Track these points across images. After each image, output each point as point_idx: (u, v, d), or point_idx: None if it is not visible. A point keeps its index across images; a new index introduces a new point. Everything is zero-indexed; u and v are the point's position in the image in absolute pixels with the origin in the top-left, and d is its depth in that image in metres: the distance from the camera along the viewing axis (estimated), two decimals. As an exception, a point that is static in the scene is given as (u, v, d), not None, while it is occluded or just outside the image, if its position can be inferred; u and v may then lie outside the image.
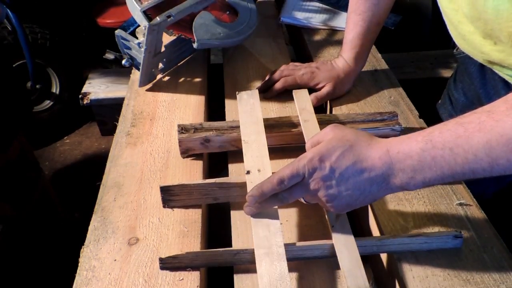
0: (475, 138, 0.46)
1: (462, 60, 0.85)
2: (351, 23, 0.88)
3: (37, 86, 2.05)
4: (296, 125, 0.77)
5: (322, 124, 0.77)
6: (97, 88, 1.98)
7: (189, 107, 0.91)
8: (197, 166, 0.76)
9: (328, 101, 0.92)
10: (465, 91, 0.86)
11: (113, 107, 1.91)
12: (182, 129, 0.75)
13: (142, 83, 0.95)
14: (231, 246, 0.63)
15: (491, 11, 0.58)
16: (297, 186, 0.55)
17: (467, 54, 0.76)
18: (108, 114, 2.00)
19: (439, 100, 0.97)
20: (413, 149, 0.50)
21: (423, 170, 0.49)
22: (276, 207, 0.61)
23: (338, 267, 0.60)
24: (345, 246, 0.57)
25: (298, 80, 0.89)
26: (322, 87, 0.89)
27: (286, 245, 0.58)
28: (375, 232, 0.67)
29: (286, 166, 0.54)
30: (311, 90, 0.88)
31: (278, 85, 0.90)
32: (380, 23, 0.88)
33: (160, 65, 0.99)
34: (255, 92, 0.82)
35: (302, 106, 0.79)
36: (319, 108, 0.98)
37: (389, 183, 0.52)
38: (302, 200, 0.58)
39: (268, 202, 0.57)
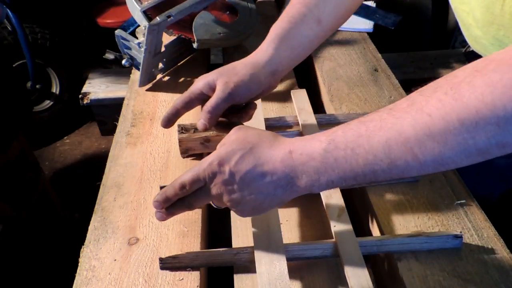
0: (376, 137, 0.44)
1: (472, 60, 0.84)
2: (287, 8, 0.72)
3: (37, 86, 2.05)
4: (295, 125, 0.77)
5: (322, 124, 0.77)
6: (97, 88, 1.98)
7: (189, 107, 0.90)
8: (197, 166, 0.76)
9: (328, 101, 0.92)
10: None
11: (113, 107, 1.91)
12: (182, 129, 0.75)
13: (142, 83, 0.96)
14: (231, 246, 0.64)
15: (509, 16, 0.56)
16: (200, 191, 0.52)
17: (478, 54, 0.75)
18: (108, 114, 2.00)
19: None
20: (315, 150, 0.47)
21: (327, 172, 0.47)
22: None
23: (338, 267, 0.60)
24: (347, 246, 0.57)
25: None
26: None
27: (286, 245, 0.58)
28: (375, 232, 0.67)
29: (188, 170, 0.52)
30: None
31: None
32: (321, 22, 0.71)
33: (160, 65, 0.99)
34: None
35: (300, 106, 0.79)
36: (319, 109, 0.98)
37: (294, 186, 0.49)
38: (213, 205, 0.56)
39: (175, 208, 0.55)
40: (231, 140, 0.52)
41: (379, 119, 0.45)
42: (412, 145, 0.42)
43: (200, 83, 0.67)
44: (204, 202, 0.54)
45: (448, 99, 0.40)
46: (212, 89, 0.66)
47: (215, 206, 0.56)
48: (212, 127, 0.67)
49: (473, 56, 0.76)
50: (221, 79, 0.66)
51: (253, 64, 0.68)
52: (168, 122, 0.69)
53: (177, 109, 0.68)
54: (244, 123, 0.67)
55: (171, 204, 0.54)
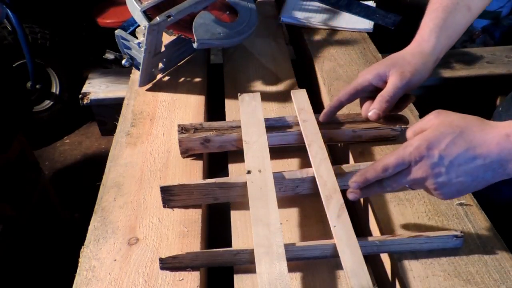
0: None
1: None
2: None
3: (37, 86, 2.05)
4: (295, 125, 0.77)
5: (322, 124, 0.77)
6: (97, 88, 1.98)
7: (189, 107, 0.91)
8: (197, 166, 0.76)
9: (328, 101, 0.92)
10: None
11: (113, 107, 1.90)
12: (182, 129, 0.75)
13: (142, 83, 0.95)
14: (231, 246, 0.63)
15: None
16: (401, 174, 0.54)
17: None
18: (108, 114, 2.00)
19: (499, 107, 0.93)
20: None
21: None
22: (276, 206, 0.61)
23: (338, 267, 0.60)
24: (347, 246, 0.57)
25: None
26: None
27: (286, 245, 0.58)
28: (375, 232, 0.67)
29: (390, 154, 0.54)
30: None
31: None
32: (471, 9, 0.73)
33: (160, 65, 0.99)
34: (257, 95, 0.82)
35: (300, 106, 0.79)
36: (319, 109, 0.98)
37: (507, 169, 0.50)
38: (407, 187, 0.57)
39: (371, 189, 0.57)
40: (436, 124, 0.53)
41: None
42: None
43: (368, 75, 0.70)
44: (402, 185, 0.55)
45: None
46: (383, 80, 0.69)
47: (410, 189, 0.58)
48: (382, 117, 0.69)
49: None
50: (394, 70, 0.68)
51: (421, 54, 0.70)
52: (330, 115, 0.74)
53: (341, 101, 0.72)
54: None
55: (367, 185, 0.56)
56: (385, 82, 0.69)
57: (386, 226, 0.64)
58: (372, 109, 0.68)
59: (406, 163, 0.53)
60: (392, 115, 0.72)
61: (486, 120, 0.53)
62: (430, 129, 0.53)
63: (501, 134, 0.50)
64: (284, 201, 0.69)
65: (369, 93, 0.71)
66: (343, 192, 0.66)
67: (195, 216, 0.67)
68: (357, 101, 0.89)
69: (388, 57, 0.71)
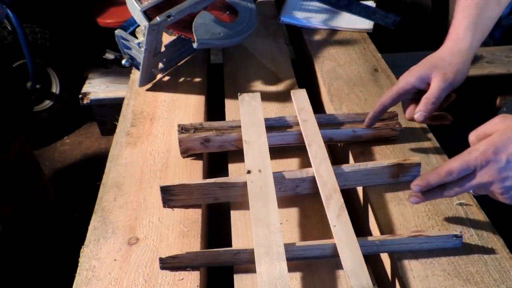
0: None
1: None
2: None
3: (37, 86, 2.05)
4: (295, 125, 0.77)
5: (322, 124, 0.77)
6: (97, 88, 1.98)
7: (189, 107, 0.91)
8: (197, 166, 0.76)
9: (328, 101, 0.92)
10: None
11: (113, 107, 1.90)
12: (182, 129, 0.75)
13: (142, 83, 0.95)
14: (231, 246, 0.63)
15: None
16: (466, 179, 0.54)
17: None
18: (108, 114, 2.00)
19: (503, 107, 0.93)
20: None
21: None
22: (276, 206, 0.61)
23: (338, 267, 0.60)
24: (347, 246, 0.57)
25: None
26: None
27: (286, 245, 0.58)
28: (375, 232, 0.67)
29: (454, 158, 0.54)
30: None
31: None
32: (500, 3, 0.75)
33: (160, 65, 0.99)
34: (257, 95, 0.82)
35: (300, 106, 0.79)
36: (319, 109, 0.98)
37: None
38: (471, 193, 0.58)
39: (433, 194, 0.57)
40: (503, 129, 0.53)
41: None
42: None
43: (411, 78, 0.70)
44: (467, 190, 0.55)
45: None
46: (426, 82, 0.70)
47: (473, 194, 0.58)
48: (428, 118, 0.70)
49: None
50: (437, 72, 0.69)
51: (460, 52, 0.71)
52: (375, 120, 0.75)
53: (384, 105, 0.72)
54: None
55: (429, 190, 0.56)
56: (428, 84, 0.70)
57: (386, 226, 0.64)
58: (418, 111, 0.69)
59: (472, 167, 0.53)
60: (436, 114, 0.73)
61: None
62: (496, 133, 0.53)
63: None
64: (284, 201, 0.69)
65: (411, 95, 0.72)
66: (343, 192, 0.66)
67: (195, 216, 0.67)
68: (356, 101, 0.90)
69: (427, 59, 0.72)
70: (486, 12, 0.73)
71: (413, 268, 0.58)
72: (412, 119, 0.72)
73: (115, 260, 0.60)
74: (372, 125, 0.76)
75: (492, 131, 0.54)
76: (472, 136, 0.57)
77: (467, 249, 0.60)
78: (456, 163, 0.53)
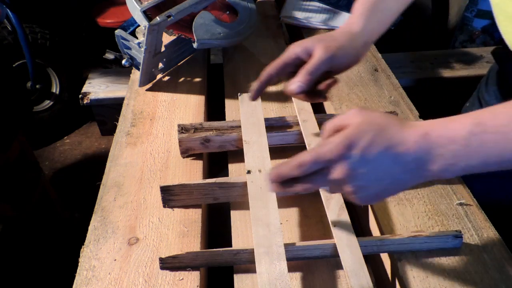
0: None
1: (501, 62, 0.81)
2: None
3: (37, 86, 2.05)
4: (295, 125, 0.77)
5: (322, 124, 0.77)
6: (97, 88, 1.98)
7: (189, 107, 0.91)
8: (197, 166, 0.76)
9: (328, 101, 0.92)
10: (497, 94, 0.82)
11: (113, 107, 1.91)
12: (182, 129, 0.75)
13: (142, 83, 0.95)
14: (231, 246, 0.63)
15: None
16: (320, 174, 0.49)
17: (508, 56, 0.72)
18: (108, 114, 2.00)
19: (466, 103, 0.93)
20: (458, 133, 0.45)
21: (468, 156, 0.44)
22: (276, 206, 0.61)
23: (338, 267, 0.60)
24: (347, 246, 0.57)
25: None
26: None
27: (286, 245, 0.58)
28: (375, 232, 0.67)
29: (308, 150, 0.49)
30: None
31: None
32: None
33: (160, 65, 0.99)
34: None
35: (300, 106, 0.79)
36: (318, 108, 0.98)
37: (425, 170, 0.46)
38: (326, 190, 0.53)
39: (288, 186, 0.52)
40: (358, 122, 0.49)
41: None
42: None
43: (296, 48, 0.68)
44: (319, 186, 0.51)
45: None
46: (309, 54, 0.67)
47: (328, 192, 0.53)
48: (306, 90, 0.66)
49: (504, 54, 0.76)
50: (320, 44, 0.67)
51: (349, 33, 0.69)
52: (258, 92, 0.69)
53: (270, 74, 0.68)
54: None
55: (285, 181, 0.51)
56: (310, 56, 0.67)
57: (386, 226, 0.64)
58: (295, 82, 0.65)
59: (324, 162, 0.48)
60: (312, 90, 0.69)
61: (406, 120, 0.51)
62: (351, 126, 0.48)
63: (419, 133, 0.47)
64: (284, 201, 0.69)
65: (296, 67, 0.68)
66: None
67: (195, 216, 0.67)
68: (356, 101, 0.90)
69: (318, 35, 0.70)
70: (385, 1, 0.72)
71: (413, 268, 0.58)
72: (290, 93, 0.67)
73: (115, 260, 0.60)
74: (257, 96, 0.69)
75: (347, 123, 0.49)
76: (329, 125, 0.51)
77: (467, 249, 0.60)
78: (308, 155, 0.48)
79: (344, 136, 0.47)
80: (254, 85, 0.69)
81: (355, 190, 0.49)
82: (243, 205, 0.66)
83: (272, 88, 0.97)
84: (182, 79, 1.00)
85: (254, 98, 0.70)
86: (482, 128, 0.44)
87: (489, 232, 0.62)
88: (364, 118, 0.49)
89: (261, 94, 0.70)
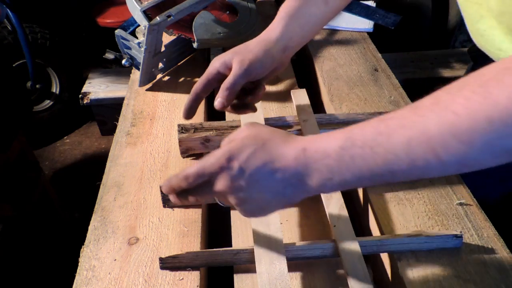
0: (396, 135, 0.42)
1: (477, 59, 0.83)
2: None
3: (37, 86, 2.06)
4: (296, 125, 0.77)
5: (322, 124, 0.77)
6: (97, 88, 1.99)
7: (189, 107, 0.90)
8: (197, 166, 0.76)
9: (328, 101, 0.92)
10: None
11: (113, 107, 1.91)
12: (182, 129, 0.75)
13: (142, 83, 0.96)
14: (231, 246, 0.64)
15: None
16: (204, 186, 0.50)
17: (482, 53, 0.72)
18: (108, 114, 2.00)
19: None
20: (331, 147, 0.45)
21: (341, 171, 0.44)
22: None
23: (338, 267, 0.60)
24: (347, 246, 0.57)
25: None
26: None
27: (286, 245, 0.58)
28: (375, 232, 0.67)
29: (196, 163, 0.50)
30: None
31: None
32: (328, 3, 0.73)
33: (160, 65, 0.99)
34: None
35: (301, 106, 0.79)
36: (319, 108, 0.98)
37: (305, 185, 0.46)
38: (218, 202, 0.54)
39: (182, 198, 0.53)
40: (242, 136, 0.50)
41: (400, 117, 0.43)
42: (435, 145, 0.40)
43: (216, 63, 0.68)
44: (207, 198, 0.52)
45: (476, 97, 0.38)
46: (229, 68, 0.67)
47: (220, 204, 0.54)
48: (229, 106, 0.67)
49: (478, 54, 0.76)
50: (236, 57, 0.67)
51: (265, 41, 0.69)
52: (190, 110, 0.70)
53: (197, 93, 0.69)
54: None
55: (179, 193, 0.52)
56: (231, 70, 0.68)
57: (386, 226, 0.64)
58: (216, 99, 0.67)
59: (207, 174, 0.49)
60: (238, 103, 0.71)
61: (293, 135, 0.51)
62: (235, 140, 0.49)
63: (298, 148, 0.47)
64: (284, 201, 0.69)
65: (219, 82, 0.68)
66: (343, 192, 0.66)
67: (195, 216, 0.67)
68: (356, 101, 0.90)
69: (238, 46, 0.70)
70: (309, 7, 0.71)
71: (413, 268, 0.58)
72: (216, 108, 0.68)
73: (115, 260, 0.60)
74: (190, 116, 0.70)
75: (234, 137, 0.51)
76: (224, 142, 0.53)
77: (467, 249, 0.60)
78: (193, 168, 0.49)
79: (226, 149, 0.48)
80: (186, 104, 0.70)
81: (239, 202, 0.49)
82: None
83: (272, 88, 0.97)
84: (182, 79, 1.00)
85: (187, 118, 0.71)
86: (351, 142, 0.44)
87: (489, 232, 0.62)
88: (250, 133, 0.50)
89: (195, 112, 0.71)
